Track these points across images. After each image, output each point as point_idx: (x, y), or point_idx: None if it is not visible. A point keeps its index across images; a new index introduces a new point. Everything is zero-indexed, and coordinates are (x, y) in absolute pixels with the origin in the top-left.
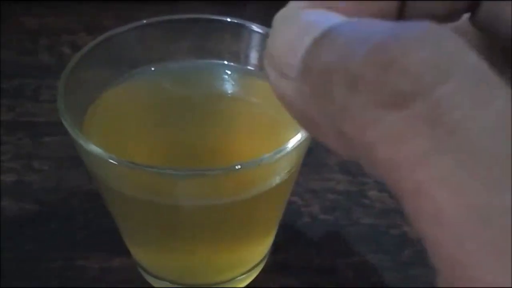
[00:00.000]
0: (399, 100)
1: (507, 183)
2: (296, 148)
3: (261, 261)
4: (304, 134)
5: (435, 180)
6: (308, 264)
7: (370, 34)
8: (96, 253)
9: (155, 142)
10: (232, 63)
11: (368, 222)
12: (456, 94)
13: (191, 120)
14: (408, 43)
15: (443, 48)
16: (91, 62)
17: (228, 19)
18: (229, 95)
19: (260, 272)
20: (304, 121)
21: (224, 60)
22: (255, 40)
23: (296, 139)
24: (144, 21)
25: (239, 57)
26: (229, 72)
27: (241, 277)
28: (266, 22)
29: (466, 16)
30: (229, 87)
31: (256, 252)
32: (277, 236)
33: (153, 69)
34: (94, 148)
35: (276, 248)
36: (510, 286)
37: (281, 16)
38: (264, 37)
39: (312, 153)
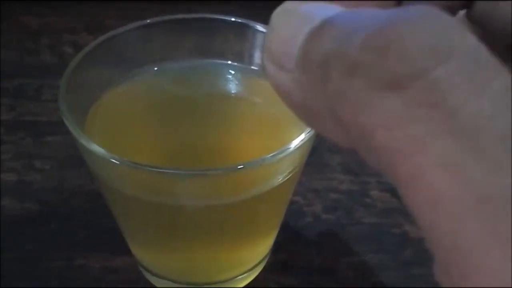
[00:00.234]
0: (396, 83)
1: (508, 166)
2: (299, 148)
3: (262, 260)
4: (307, 134)
5: (434, 164)
6: (309, 263)
7: (368, 21)
8: (97, 253)
9: (157, 142)
10: (235, 63)
11: (370, 222)
12: (455, 76)
13: (193, 120)
14: (405, 26)
15: (441, 30)
16: (93, 61)
17: (232, 19)
18: (232, 95)
19: (261, 272)
20: (303, 113)
21: (227, 59)
22: (259, 40)
23: (299, 139)
24: (147, 21)
25: (243, 57)
26: (232, 72)
27: (242, 276)
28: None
29: (462, 12)
30: (232, 86)
31: (257, 251)
32: (278, 235)
33: (155, 68)
34: (96, 147)
35: (277, 247)
36: (510, 271)
37: (279, 11)
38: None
39: (315, 152)
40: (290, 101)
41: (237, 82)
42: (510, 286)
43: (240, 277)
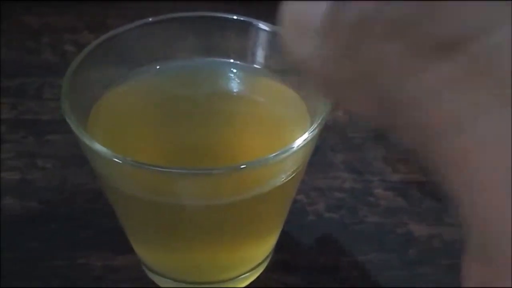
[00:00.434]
0: (445, 47)
1: None
2: (302, 147)
3: (265, 259)
4: (310, 134)
5: (488, 141)
6: (312, 263)
7: None
8: (99, 252)
9: (159, 141)
10: (238, 62)
11: (374, 221)
12: (510, 43)
13: (196, 119)
14: None
15: None
16: (95, 60)
17: (234, 17)
18: (235, 94)
19: (264, 271)
20: (326, 85)
21: (230, 58)
22: (262, 38)
23: (302, 138)
24: (149, 19)
25: (245, 55)
26: (235, 71)
27: (245, 275)
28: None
29: None
30: (234, 85)
31: (260, 251)
32: (281, 234)
33: (158, 67)
34: (98, 146)
35: (280, 246)
36: None
37: None
38: (271, 34)
39: (318, 151)
40: (312, 72)
41: (239, 81)
42: None
43: (242, 276)
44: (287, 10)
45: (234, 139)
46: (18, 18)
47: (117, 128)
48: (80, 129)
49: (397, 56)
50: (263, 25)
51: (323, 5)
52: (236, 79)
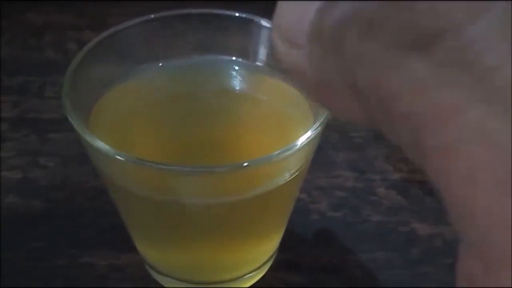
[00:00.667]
0: (423, 41)
1: None
2: (305, 145)
3: (269, 259)
4: (313, 132)
5: (469, 136)
6: (315, 262)
7: None
8: (102, 250)
9: (161, 139)
10: (240, 59)
11: (376, 219)
12: (491, 34)
13: (198, 117)
14: None
15: None
16: (96, 58)
17: (237, 14)
18: (237, 92)
19: (268, 270)
20: (318, 92)
21: (232, 56)
22: (264, 36)
23: (305, 136)
24: (151, 16)
25: (248, 53)
26: (237, 68)
27: (249, 275)
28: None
29: None
30: (237, 83)
31: (264, 250)
32: (284, 233)
33: (160, 65)
34: (101, 144)
35: (283, 245)
36: None
37: None
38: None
39: (320, 150)
40: (304, 78)
41: (241, 79)
42: None
43: (247, 276)
44: (278, 19)
45: (236, 137)
46: (20, 16)
47: (118, 126)
48: (82, 127)
49: (375, 53)
50: (265, 23)
51: (313, 11)
52: (238, 77)
